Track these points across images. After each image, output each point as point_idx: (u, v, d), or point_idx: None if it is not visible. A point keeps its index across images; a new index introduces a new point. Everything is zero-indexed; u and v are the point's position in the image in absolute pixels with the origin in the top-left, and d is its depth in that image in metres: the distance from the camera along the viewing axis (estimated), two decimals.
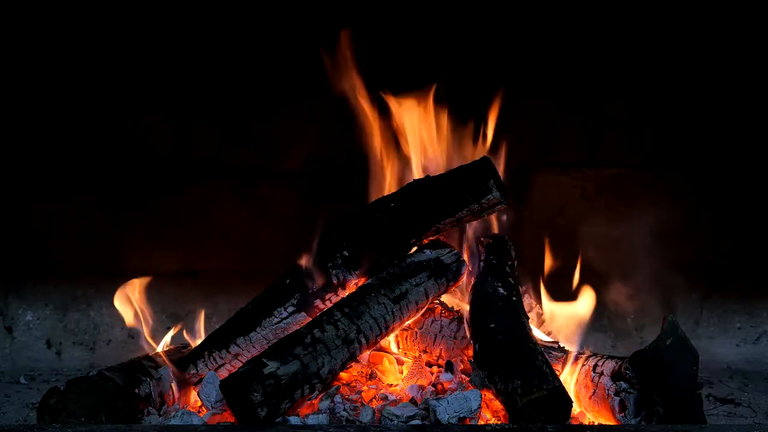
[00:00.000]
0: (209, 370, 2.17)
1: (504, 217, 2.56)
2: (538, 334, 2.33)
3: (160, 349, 2.31)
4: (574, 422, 1.98)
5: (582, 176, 3.15)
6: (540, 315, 2.44)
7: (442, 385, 2.13)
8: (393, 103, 2.52)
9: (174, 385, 2.15)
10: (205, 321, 2.50)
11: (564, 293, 2.45)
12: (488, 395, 1.97)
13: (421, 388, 2.11)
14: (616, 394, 1.91)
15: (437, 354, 2.27)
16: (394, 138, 2.52)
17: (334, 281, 2.22)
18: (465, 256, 2.35)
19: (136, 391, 2.00)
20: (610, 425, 1.92)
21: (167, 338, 2.38)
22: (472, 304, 2.23)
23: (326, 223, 2.31)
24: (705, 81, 3.07)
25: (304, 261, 2.25)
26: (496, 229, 2.55)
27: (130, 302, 2.32)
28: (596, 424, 1.97)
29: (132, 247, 3.10)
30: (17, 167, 3.08)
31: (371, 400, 2.05)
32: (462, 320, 2.25)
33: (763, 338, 3.17)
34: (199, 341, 2.33)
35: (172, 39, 3.02)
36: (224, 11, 3.02)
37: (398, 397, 2.06)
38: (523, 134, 3.06)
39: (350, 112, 2.57)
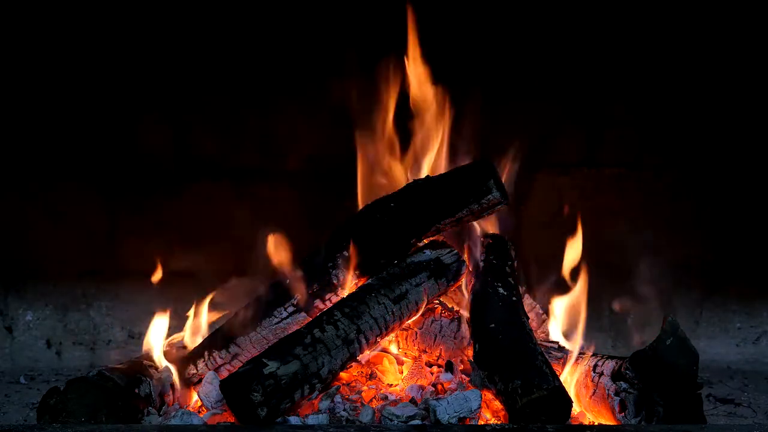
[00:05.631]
0: (209, 370, 2.17)
1: (504, 217, 2.55)
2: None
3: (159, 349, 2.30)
4: (574, 422, 1.98)
5: (582, 176, 3.15)
6: (540, 315, 2.43)
7: (442, 385, 2.13)
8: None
9: (174, 385, 2.15)
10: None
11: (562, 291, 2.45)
12: (488, 395, 1.97)
13: (421, 388, 2.11)
14: (616, 394, 1.91)
15: (437, 354, 2.27)
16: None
17: (334, 281, 2.22)
18: (465, 256, 2.35)
19: (136, 391, 2.00)
20: (610, 425, 1.92)
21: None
22: (472, 304, 2.23)
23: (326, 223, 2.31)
24: (705, 81, 3.07)
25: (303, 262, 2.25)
26: (496, 230, 2.55)
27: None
28: (596, 424, 1.97)
29: (132, 247, 3.10)
30: (17, 167, 3.08)
31: (371, 400, 2.05)
32: (462, 320, 2.25)
33: (763, 338, 3.17)
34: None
35: (172, 38, 3.02)
36: (225, 10, 3.02)
37: (398, 397, 2.06)
38: (523, 134, 3.06)
39: (350, 111, 2.58)
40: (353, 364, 2.13)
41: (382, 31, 2.83)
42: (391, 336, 2.26)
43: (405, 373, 2.23)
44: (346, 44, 2.98)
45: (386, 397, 2.06)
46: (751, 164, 3.13)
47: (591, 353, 2.14)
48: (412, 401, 2.00)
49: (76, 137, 3.07)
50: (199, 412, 2.08)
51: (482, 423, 1.90)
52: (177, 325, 2.52)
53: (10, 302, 3.12)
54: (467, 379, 2.11)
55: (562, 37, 3.04)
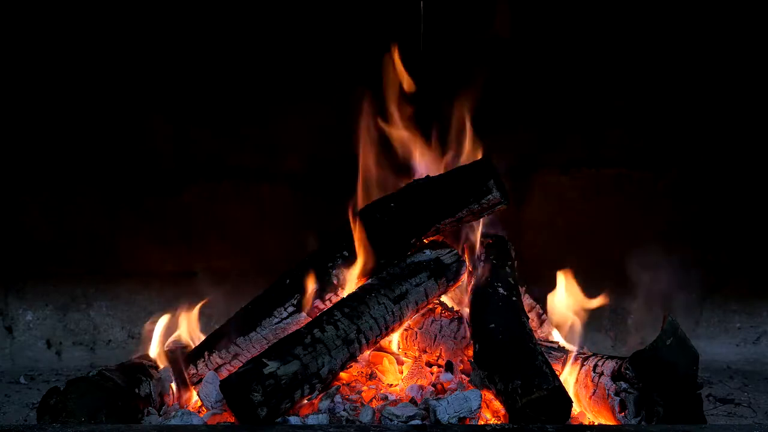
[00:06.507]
0: (209, 370, 2.17)
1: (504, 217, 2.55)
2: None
3: (159, 349, 2.30)
4: (574, 422, 1.98)
5: (582, 176, 3.15)
6: (540, 315, 2.44)
7: (442, 385, 2.13)
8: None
9: (174, 385, 2.15)
10: (204, 321, 2.49)
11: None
12: (488, 395, 1.97)
13: (421, 388, 2.11)
14: (616, 394, 1.91)
15: (437, 354, 2.27)
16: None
17: (334, 281, 2.22)
18: (465, 256, 2.35)
19: (136, 391, 2.01)
20: (610, 425, 1.92)
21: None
22: (472, 304, 2.23)
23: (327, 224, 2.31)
24: (705, 82, 3.07)
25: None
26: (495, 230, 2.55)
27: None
28: (596, 424, 1.97)
29: (132, 247, 3.10)
30: (18, 167, 3.08)
31: (371, 400, 2.05)
32: (462, 320, 2.25)
33: (763, 338, 3.17)
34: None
35: (173, 39, 3.02)
36: (225, 12, 3.02)
37: (398, 397, 2.06)
38: (523, 134, 3.07)
39: (350, 111, 2.57)
40: (353, 364, 2.13)
41: (382, 30, 2.84)
42: (392, 336, 2.26)
43: (405, 373, 2.22)
44: (345, 45, 2.99)
45: (386, 397, 2.06)
46: (750, 164, 3.13)
47: (591, 353, 2.14)
48: (412, 401, 2.00)
49: (76, 137, 3.07)
50: (199, 412, 2.08)
51: (482, 423, 1.90)
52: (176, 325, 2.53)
53: (10, 302, 3.12)
54: (467, 379, 2.11)
55: (563, 38, 3.04)
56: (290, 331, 2.09)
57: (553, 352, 2.18)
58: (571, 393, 1.96)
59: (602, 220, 3.11)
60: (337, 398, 2.00)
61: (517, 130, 3.05)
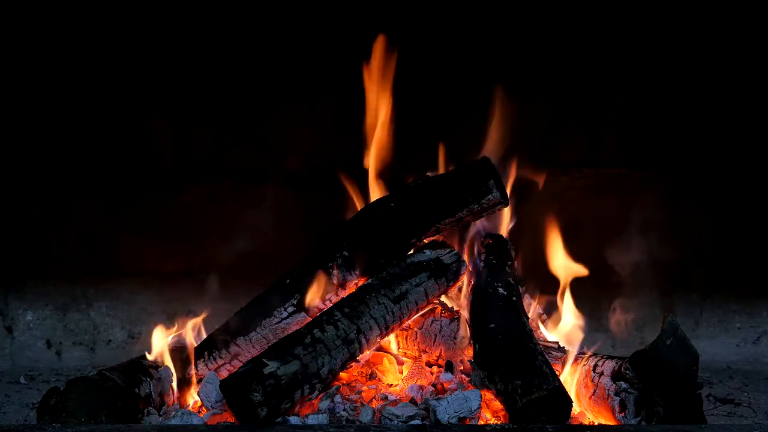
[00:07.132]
0: (209, 370, 2.17)
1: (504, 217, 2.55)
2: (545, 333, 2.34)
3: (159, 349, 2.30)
4: (574, 422, 1.98)
5: (582, 176, 3.15)
6: (540, 315, 2.44)
7: (442, 385, 2.13)
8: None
9: (174, 385, 2.15)
10: (204, 321, 2.49)
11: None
12: (488, 395, 1.97)
13: (421, 388, 2.11)
14: (616, 394, 1.91)
15: (437, 354, 2.27)
16: None
17: (334, 281, 2.22)
18: (465, 256, 2.35)
19: (136, 391, 2.00)
20: (610, 425, 1.92)
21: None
22: (472, 304, 2.23)
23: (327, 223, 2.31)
24: (705, 82, 3.07)
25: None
26: (496, 229, 2.55)
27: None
28: (596, 424, 1.97)
29: (132, 247, 3.10)
30: (18, 167, 3.08)
31: (371, 400, 2.05)
32: (462, 320, 2.25)
33: (763, 338, 3.17)
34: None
35: (173, 39, 3.02)
36: (225, 12, 3.02)
37: (398, 397, 2.06)
38: (523, 134, 3.06)
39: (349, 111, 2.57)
40: (353, 364, 2.13)
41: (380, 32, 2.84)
42: (391, 336, 2.26)
43: (405, 373, 2.23)
44: (344, 44, 2.99)
45: (386, 397, 2.06)
46: (750, 164, 3.13)
47: (591, 353, 2.14)
48: (412, 401, 2.00)
49: (76, 137, 3.07)
50: (199, 412, 2.08)
51: (482, 423, 1.90)
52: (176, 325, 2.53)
53: (10, 302, 3.12)
54: (467, 379, 2.11)
55: (563, 38, 3.05)
56: (290, 331, 2.09)
57: (553, 352, 2.18)
58: (571, 393, 1.96)
59: (602, 220, 3.11)
60: (337, 398, 2.00)
61: (518, 130, 3.04)
